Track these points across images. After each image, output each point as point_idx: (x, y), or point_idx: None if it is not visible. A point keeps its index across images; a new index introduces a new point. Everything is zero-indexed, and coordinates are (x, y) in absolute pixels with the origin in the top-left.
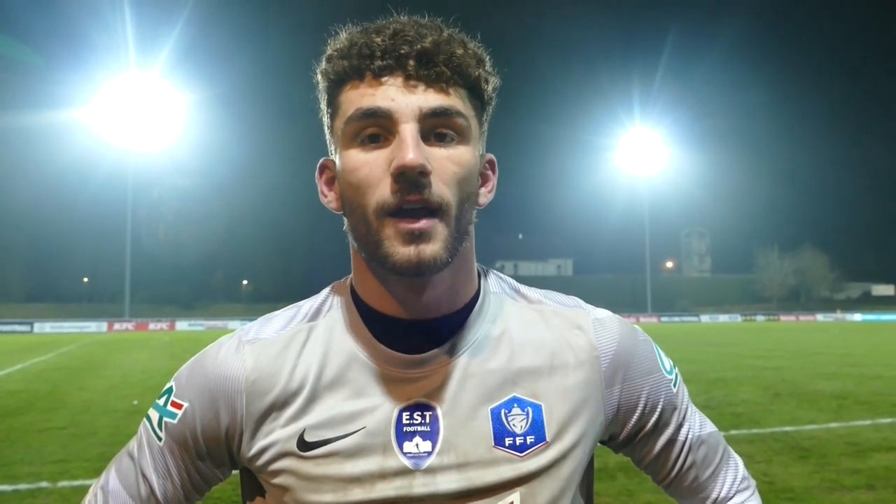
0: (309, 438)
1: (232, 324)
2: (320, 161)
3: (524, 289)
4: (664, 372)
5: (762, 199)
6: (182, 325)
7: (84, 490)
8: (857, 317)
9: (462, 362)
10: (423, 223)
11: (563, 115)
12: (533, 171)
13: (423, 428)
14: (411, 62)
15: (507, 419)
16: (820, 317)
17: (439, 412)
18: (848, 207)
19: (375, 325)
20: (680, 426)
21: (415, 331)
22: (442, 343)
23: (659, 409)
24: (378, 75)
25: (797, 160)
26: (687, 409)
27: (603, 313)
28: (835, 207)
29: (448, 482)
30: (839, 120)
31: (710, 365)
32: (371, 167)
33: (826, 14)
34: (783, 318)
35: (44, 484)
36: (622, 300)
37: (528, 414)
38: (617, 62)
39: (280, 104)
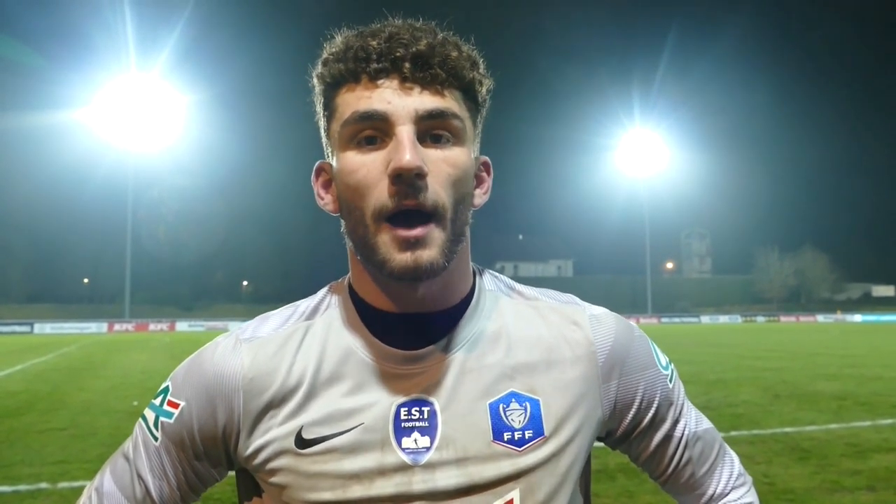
0: (307, 435)
1: (232, 324)
2: (316, 164)
3: (519, 286)
4: (660, 368)
5: (762, 200)
6: (182, 326)
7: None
8: (858, 317)
9: (459, 358)
10: (418, 231)
11: (563, 116)
12: (533, 171)
13: (421, 423)
14: (407, 65)
15: (505, 414)
16: (820, 318)
17: (437, 407)
18: (848, 208)
19: (373, 322)
20: (676, 422)
21: (412, 327)
22: (439, 339)
23: (655, 405)
24: (374, 78)
25: (797, 161)
26: (683, 404)
27: (599, 310)
28: (835, 208)
29: (447, 478)
30: (839, 120)
31: (710, 366)
32: (368, 169)
33: (826, 14)
34: (783, 318)
35: (43, 485)
36: (622, 301)
37: (526, 409)
38: (617, 62)
39: (280, 104)
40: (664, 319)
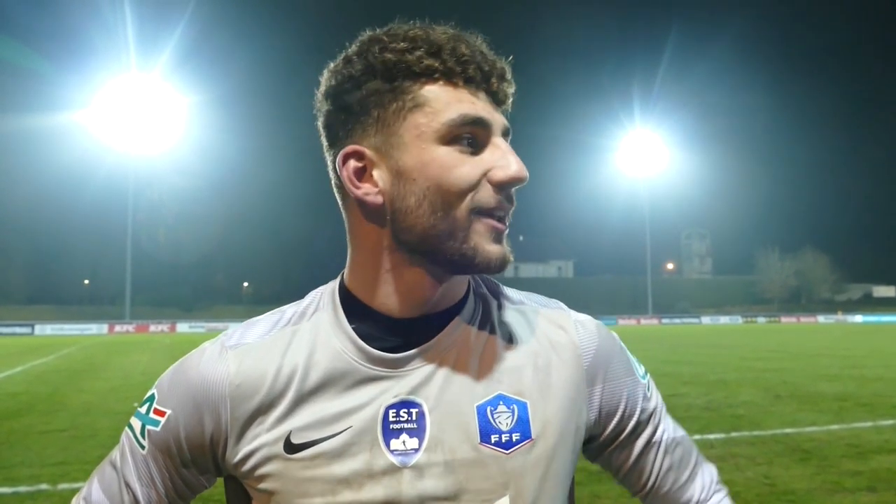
0: (295, 440)
1: (233, 325)
2: (348, 148)
3: (506, 289)
4: (639, 377)
5: (763, 201)
6: (183, 327)
7: None
8: (859, 318)
9: (448, 360)
10: (504, 226)
11: (564, 117)
12: (533, 172)
13: (409, 425)
14: (494, 80)
15: (492, 416)
16: (821, 318)
17: (425, 409)
18: (849, 208)
19: (362, 325)
20: (656, 429)
21: (402, 329)
22: (427, 341)
23: (637, 412)
24: (470, 84)
25: (798, 161)
26: (662, 411)
27: (583, 316)
28: (835, 208)
29: (436, 479)
30: (840, 121)
31: (711, 367)
32: (469, 168)
33: (827, 15)
34: (784, 319)
35: (43, 486)
36: (623, 302)
37: (513, 411)
38: (617, 63)
39: (281, 106)
40: (665, 320)
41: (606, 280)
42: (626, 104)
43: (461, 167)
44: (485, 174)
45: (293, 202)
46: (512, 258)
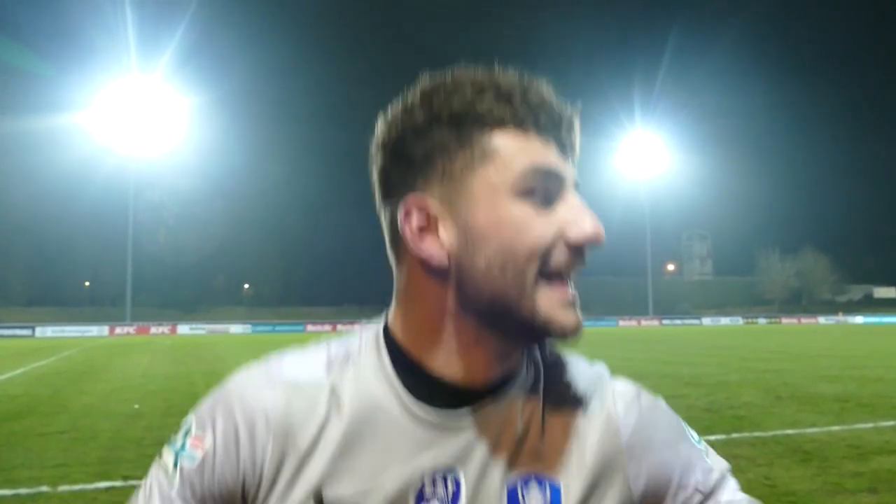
0: (327, 499)
1: (233, 328)
2: (408, 201)
3: (554, 352)
4: (693, 441)
5: (763, 202)
6: (183, 329)
7: (84, 494)
8: (859, 319)
9: (492, 429)
10: (574, 291)
11: None
12: None
13: (442, 494)
14: (563, 131)
15: (523, 498)
16: (822, 319)
17: (462, 481)
18: (849, 209)
19: (408, 379)
20: (732, 497)
21: (452, 393)
22: (474, 403)
23: (694, 481)
24: (541, 133)
25: (798, 162)
26: (728, 477)
27: (621, 385)
28: (836, 209)
29: None
30: (840, 122)
31: (711, 368)
32: (545, 227)
33: (827, 16)
34: (785, 320)
35: (44, 488)
36: (624, 303)
37: (545, 495)
38: (617, 63)
39: (283, 107)
40: (665, 321)
41: (607, 281)
42: (627, 105)
43: (536, 226)
44: (559, 233)
45: (294, 204)
46: (583, 326)
